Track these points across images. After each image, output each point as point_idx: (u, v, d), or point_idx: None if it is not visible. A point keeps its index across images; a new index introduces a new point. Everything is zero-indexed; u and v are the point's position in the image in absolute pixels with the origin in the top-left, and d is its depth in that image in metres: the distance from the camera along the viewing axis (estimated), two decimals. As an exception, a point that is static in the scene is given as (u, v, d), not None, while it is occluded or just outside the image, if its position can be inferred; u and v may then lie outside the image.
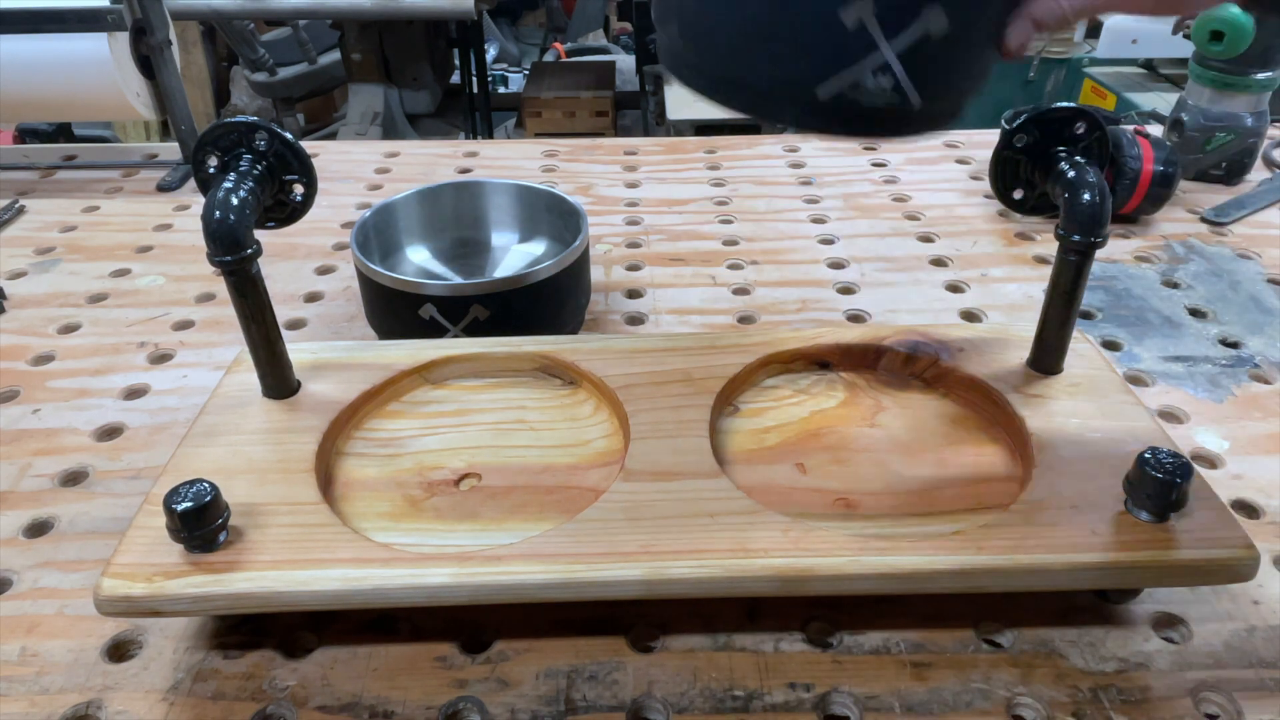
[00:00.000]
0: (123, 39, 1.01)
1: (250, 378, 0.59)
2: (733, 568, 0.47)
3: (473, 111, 2.67)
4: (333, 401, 0.59)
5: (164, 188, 1.07)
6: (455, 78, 2.73)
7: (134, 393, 0.72)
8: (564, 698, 0.48)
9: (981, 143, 1.16)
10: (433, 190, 0.81)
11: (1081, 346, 0.62)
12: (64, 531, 0.58)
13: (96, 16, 0.98)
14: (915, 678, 0.48)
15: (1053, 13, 0.43)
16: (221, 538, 0.47)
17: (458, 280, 0.77)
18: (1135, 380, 0.72)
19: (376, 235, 0.78)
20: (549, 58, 3.67)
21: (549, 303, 0.70)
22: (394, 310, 0.69)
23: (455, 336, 0.68)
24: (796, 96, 0.43)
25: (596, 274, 0.87)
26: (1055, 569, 0.47)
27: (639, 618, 0.52)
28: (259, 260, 0.54)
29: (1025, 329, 0.62)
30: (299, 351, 0.62)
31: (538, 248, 0.83)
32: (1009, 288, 0.85)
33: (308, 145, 1.02)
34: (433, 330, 0.68)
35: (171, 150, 1.15)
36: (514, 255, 0.83)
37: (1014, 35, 0.44)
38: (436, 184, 0.82)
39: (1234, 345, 0.76)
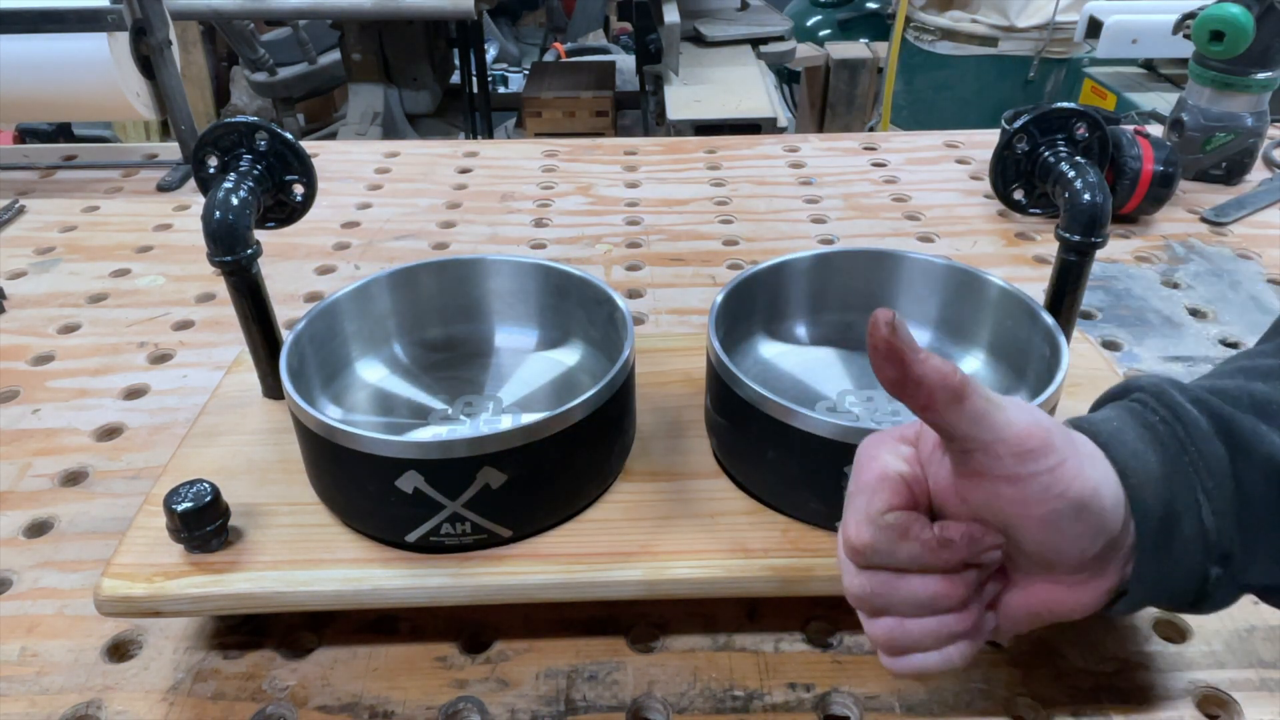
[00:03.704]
0: (123, 39, 1.01)
1: (250, 378, 0.59)
2: (733, 568, 0.47)
3: (473, 111, 2.67)
4: (333, 401, 0.58)
5: (164, 188, 1.07)
6: (455, 78, 2.73)
7: (134, 393, 0.72)
8: (564, 698, 0.48)
9: (981, 143, 1.16)
10: (402, 274, 0.58)
11: (1081, 346, 0.62)
12: (64, 531, 0.58)
13: (96, 16, 0.98)
14: (915, 678, 0.48)
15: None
16: (222, 538, 0.47)
17: (459, 431, 0.55)
18: (1135, 380, 0.72)
19: (318, 352, 0.55)
20: (549, 58, 3.67)
21: (591, 448, 0.49)
22: (355, 479, 0.46)
23: (455, 511, 0.46)
24: (821, 524, 0.49)
25: (596, 274, 0.86)
26: (1055, 569, 0.47)
27: (639, 618, 0.52)
28: (259, 260, 0.54)
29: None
30: (299, 351, 0.61)
31: (569, 355, 0.60)
32: (1009, 288, 0.85)
33: (308, 145, 1.02)
34: (419, 506, 0.46)
35: (171, 150, 1.15)
36: (535, 367, 0.60)
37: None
38: (406, 265, 0.59)
39: (1234, 345, 0.76)
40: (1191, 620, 0.51)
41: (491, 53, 3.82)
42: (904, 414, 0.56)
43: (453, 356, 0.61)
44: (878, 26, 3.38)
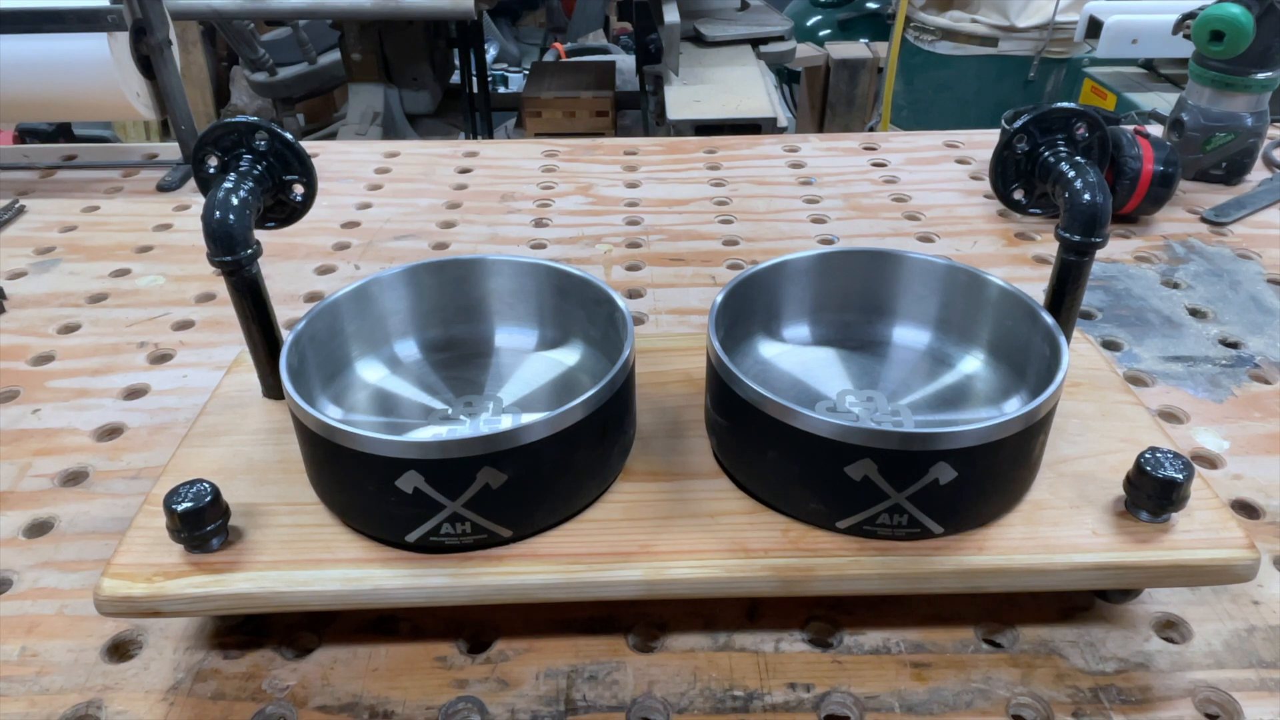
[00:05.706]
0: (123, 39, 1.01)
1: (250, 378, 0.59)
2: (733, 568, 0.47)
3: (473, 111, 2.67)
4: (333, 401, 0.58)
5: (164, 188, 1.07)
6: (455, 78, 2.73)
7: (134, 393, 0.72)
8: (564, 698, 0.48)
9: (981, 143, 1.16)
10: (402, 274, 0.58)
11: (1081, 346, 0.62)
12: (64, 531, 0.58)
13: (96, 16, 0.98)
14: (915, 678, 0.48)
15: None
16: (222, 538, 0.47)
17: (459, 431, 0.55)
18: (1135, 380, 0.72)
19: (318, 352, 0.55)
20: (549, 58, 3.67)
21: (591, 448, 0.49)
22: (355, 479, 0.46)
23: (455, 511, 0.46)
24: (821, 524, 0.49)
25: (596, 274, 0.86)
26: (1055, 569, 0.47)
27: (639, 618, 0.52)
28: (259, 260, 0.54)
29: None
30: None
31: (569, 355, 0.60)
32: (1009, 288, 0.84)
33: (308, 145, 1.02)
34: (419, 506, 0.46)
35: (171, 150, 1.15)
36: (535, 367, 0.60)
37: None
38: (406, 265, 0.58)
39: (1234, 345, 0.76)
40: (1191, 620, 0.51)
41: (491, 53, 3.83)
42: (904, 415, 0.56)
43: (453, 356, 0.61)
44: (878, 26, 3.39)
